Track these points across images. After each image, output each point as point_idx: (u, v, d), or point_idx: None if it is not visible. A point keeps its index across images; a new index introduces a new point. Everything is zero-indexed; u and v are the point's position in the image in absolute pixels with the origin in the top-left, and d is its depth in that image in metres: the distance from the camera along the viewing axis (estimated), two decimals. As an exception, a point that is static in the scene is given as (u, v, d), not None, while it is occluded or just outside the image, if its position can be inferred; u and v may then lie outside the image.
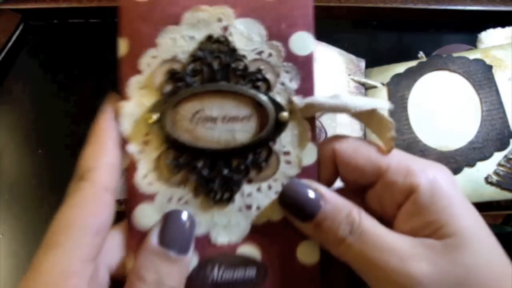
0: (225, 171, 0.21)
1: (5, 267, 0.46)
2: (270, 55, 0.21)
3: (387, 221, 0.21)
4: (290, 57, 0.22)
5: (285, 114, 0.21)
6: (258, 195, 0.22)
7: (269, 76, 0.21)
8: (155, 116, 0.21)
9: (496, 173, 0.41)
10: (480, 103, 0.45)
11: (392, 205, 0.21)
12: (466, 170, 0.42)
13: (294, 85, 0.22)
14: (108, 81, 0.64)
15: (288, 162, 0.22)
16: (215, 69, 0.21)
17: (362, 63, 0.57)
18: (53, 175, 0.53)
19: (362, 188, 0.23)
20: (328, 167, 0.23)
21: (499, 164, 0.41)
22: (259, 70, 0.21)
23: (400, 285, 0.19)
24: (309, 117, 0.22)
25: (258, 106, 0.21)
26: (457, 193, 0.21)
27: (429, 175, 0.21)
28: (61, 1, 0.68)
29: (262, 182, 0.22)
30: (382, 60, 0.56)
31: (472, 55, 0.49)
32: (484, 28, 0.58)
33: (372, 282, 0.20)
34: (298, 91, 0.22)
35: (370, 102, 0.22)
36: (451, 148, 0.44)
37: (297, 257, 0.22)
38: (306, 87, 0.22)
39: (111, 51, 0.74)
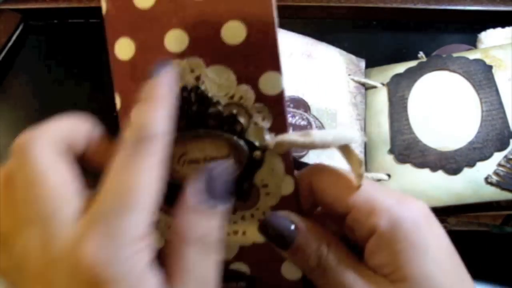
0: None
1: (5, 267, 0.46)
2: (241, 98, 0.23)
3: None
4: (261, 97, 0.23)
5: (258, 152, 0.23)
6: (243, 223, 0.24)
7: (242, 118, 0.23)
8: None
9: (496, 173, 0.41)
10: (480, 103, 0.45)
11: (361, 238, 0.23)
12: (466, 170, 0.42)
13: (267, 124, 0.23)
14: (108, 81, 0.64)
15: (268, 194, 0.24)
16: (193, 116, 0.23)
17: (362, 63, 0.57)
18: (53, 175, 0.53)
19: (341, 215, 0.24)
20: (309, 195, 0.24)
21: (499, 165, 0.41)
22: (232, 115, 0.23)
23: None
24: (283, 153, 0.23)
25: (234, 147, 0.23)
26: (421, 235, 0.21)
27: (392, 216, 0.21)
28: (61, 1, 0.68)
29: (246, 211, 0.24)
30: (382, 60, 0.56)
31: (472, 55, 0.49)
32: (484, 28, 0.58)
33: None
34: (271, 129, 0.23)
35: (340, 138, 0.23)
36: (451, 148, 0.44)
37: (281, 274, 0.25)
38: (279, 125, 0.23)
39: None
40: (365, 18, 0.66)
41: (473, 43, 0.58)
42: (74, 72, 0.63)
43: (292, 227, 0.23)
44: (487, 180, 0.41)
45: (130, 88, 0.24)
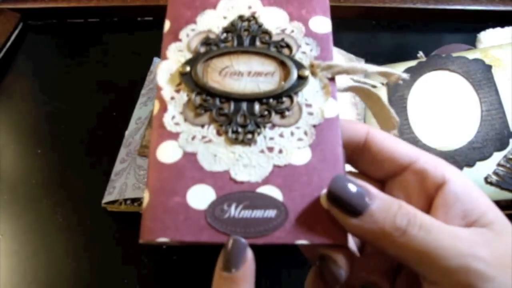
0: (248, 114, 0.23)
1: (5, 267, 0.46)
2: (292, 31, 0.25)
3: None
4: (310, 33, 0.25)
5: (305, 71, 0.24)
6: (281, 140, 0.23)
7: (291, 44, 0.25)
8: (187, 68, 0.24)
9: (495, 173, 0.41)
10: (480, 103, 0.45)
11: (420, 197, 0.22)
12: (466, 170, 0.42)
13: (314, 53, 0.25)
14: (108, 81, 0.64)
15: (311, 113, 0.23)
16: (244, 38, 0.25)
17: (362, 63, 0.57)
18: (53, 175, 0.53)
19: (380, 179, 0.23)
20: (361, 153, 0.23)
21: (499, 164, 0.41)
22: (282, 39, 0.25)
23: (469, 272, 0.19)
24: (330, 77, 0.24)
25: (281, 64, 0.24)
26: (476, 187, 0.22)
27: (455, 168, 0.22)
28: (60, 0, 0.68)
29: (285, 128, 0.23)
30: (382, 59, 0.56)
31: (471, 55, 0.49)
32: (484, 28, 0.58)
33: (432, 272, 0.19)
34: (318, 58, 0.25)
35: (382, 70, 0.26)
36: (450, 148, 0.44)
37: (320, 203, 0.22)
38: (325, 56, 0.25)
39: (111, 50, 0.75)
40: (364, 18, 0.66)
41: (472, 43, 0.58)
42: (74, 71, 0.63)
43: (363, 191, 0.20)
44: (487, 180, 0.41)
45: (182, 15, 0.26)
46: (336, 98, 0.24)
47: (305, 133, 0.23)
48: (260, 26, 0.25)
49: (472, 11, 0.63)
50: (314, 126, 0.23)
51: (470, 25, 0.62)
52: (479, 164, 0.42)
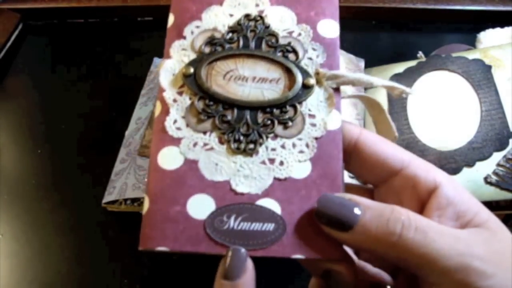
0: (251, 123, 0.23)
1: (5, 267, 0.46)
2: (299, 34, 0.24)
3: None
4: (318, 38, 0.24)
5: (310, 80, 0.23)
6: (282, 151, 0.22)
7: (298, 49, 0.24)
8: (191, 69, 0.23)
9: (495, 173, 0.41)
10: (480, 103, 0.45)
11: (412, 201, 0.22)
12: (466, 170, 0.42)
13: (320, 60, 0.24)
14: (107, 81, 0.64)
15: (314, 125, 0.23)
16: (250, 39, 0.24)
17: (362, 63, 0.57)
18: (53, 175, 0.53)
19: (372, 183, 0.23)
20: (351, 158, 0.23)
21: (499, 164, 0.41)
22: (289, 43, 0.24)
23: (468, 271, 0.19)
24: (335, 87, 0.24)
25: (286, 71, 0.24)
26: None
27: (444, 173, 0.22)
28: (60, 1, 0.68)
29: (287, 139, 0.23)
30: (382, 59, 0.56)
31: (471, 55, 0.49)
32: (483, 28, 0.58)
33: (431, 274, 0.19)
34: (324, 65, 0.24)
35: (386, 83, 0.25)
36: (450, 148, 0.44)
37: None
38: (331, 63, 0.24)
39: (110, 50, 0.74)
40: (364, 18, 0.66)
41: (472, 43, 0.58)
42: (74, 71, 0.63)
43: (351, 204, 0.20)
44: (487, 180, 0.41)
45: (187, 9, 0.25)
46: (340, 110, 0.23)
47: (307, 145, 0.22)
48: (267, 27, 0.24)
49: (472, 11, 0.63)
50: (316, 138, 0.23)
51: (470, 25, 0.62)
52: (479, 164, 0.42)
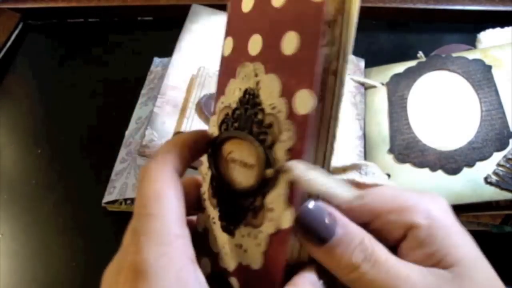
0: (233, 208, 0.24)
1: (5, 267, 0.46)
2: (279, 111, 0.22)
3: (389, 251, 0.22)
4: (292, 114, 0.21)
5: (268, 171, 0.22)
6: (247, 239, 0.23)
7: (276, 130, 0.22)
8: (210, 150, 0.26)
9: (495, 173, 0.41)
10: (480, 103, 0.45)
11: (391, 241, 0.22)
12: (466, 170, 0.42)
13: (288, 144, 0.21)
14: (108, 81, 0.64)
15: (271, 220, 0.22)
16: (245, 119, 0.24)
17: (362, 63, 0.57)
18: (53, 175, 0.53)
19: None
20: None
21: (499, 164, 0.41)
22: (269, 125, 0.22)
23: None
24: (291, 181, 0.21)
25: (259, 158, 0.22)
26: (452, 222, 0.22)
27: (424, 209, 0.22)
28: (60, 0, 0.68)
29: (253, 228, 0.23)
30: (382, 59, 0.56)
31: (471, 55, 0.49)
32: (483, 28, 0.58)
33: None
34: (292, 150, 0.21)
35: (340, 196, 0.21)
36: (450, 148, 0.44)
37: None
38: (297, 149, 0.21)
39: (110, 50, 0.74)
40: (364, 18, 0.66)
41: (472, 43, 0.58)
42: (74, 71, 0.63)
43: (332, 220, 0.21)
44: (487, 180, 0.41)
45: (221, 81, 0.26)
46: (298, 208, 0.21)
47: (263, 239, 0.22)
48: (257, 104, 0.23)
49: (472, 11, 0.63)
50: (270, 234, 0.22)
51: (470, 25, 0.62)
52: (479, 164, 0.42)
